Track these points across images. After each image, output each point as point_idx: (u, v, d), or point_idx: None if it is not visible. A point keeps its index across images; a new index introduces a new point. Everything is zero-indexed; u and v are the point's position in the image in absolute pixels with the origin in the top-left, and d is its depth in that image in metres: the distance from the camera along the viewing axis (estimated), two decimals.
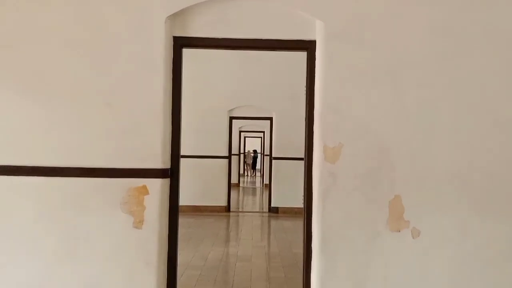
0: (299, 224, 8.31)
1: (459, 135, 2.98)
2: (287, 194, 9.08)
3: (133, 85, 2.93)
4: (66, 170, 2.86)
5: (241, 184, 16.45)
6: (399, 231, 2.95)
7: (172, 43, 3.06)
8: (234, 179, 15.11)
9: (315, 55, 3.06)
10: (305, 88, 3.18)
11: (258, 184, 17.54)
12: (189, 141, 9.18)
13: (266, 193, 13.26)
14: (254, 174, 22.30)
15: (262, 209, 10.05)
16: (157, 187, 2.92)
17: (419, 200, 2.96)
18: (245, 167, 21.92)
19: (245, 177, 20.79)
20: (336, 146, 2.93)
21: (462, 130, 2.98)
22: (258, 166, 22.98)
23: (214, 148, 9.08)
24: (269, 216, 8.93)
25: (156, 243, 2.91)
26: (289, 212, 9.02)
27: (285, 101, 9.11)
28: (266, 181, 15.11)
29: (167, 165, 3.01)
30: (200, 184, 9.04)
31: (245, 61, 9.13)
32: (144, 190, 2.88)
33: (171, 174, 3.04)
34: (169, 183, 3.05)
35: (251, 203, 11.11)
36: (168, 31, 3.00)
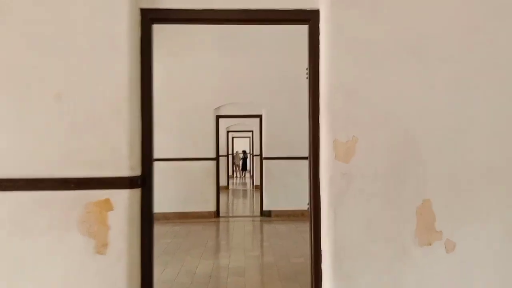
0: (294, 228, 7.81)
1: (499, 121, 2.39)
2: (280, 196, 8.49)
3: (90, 70, 2.28)
4: (4, 182, 2.21)
5: (230, 187, 15.80)
6: (430, 245, 2.35)
7: (139, 17, 2.42)
8: (223, 182, 14.50)
9: (318, 28, 2.45)
10: (306, 71, 2.57)
11: (248, 186, 16.91)
12: (173, 143, 8.56)
13: (257, 196, 12.66)
14: (244, 175, 21.67)
15: (254, 212, 9.42)
16: (124, 200, 2.27)
17: (453, 206, 2.37)
18: (234, 169, 21.29)
19: (234, 178, 20.15)
20: (349, 140, 2.33)
21: (502, 114, 2.40)
22: (248, 167, 22.48)
23: (201, 150, 8.43)
24: (261, 220, 8.32)
25: (124, 271, 2.25)
26: (282, 215, 8.42)
27: (275, 97, 8.52)
28: (257, 183, 14.55)
29: (136, 171, 2.36)
30: (186, 189, 8.40)
31: (231, 53, 8.51)
32: (107, 205, 2.24)
33: (142, 182, 2.38)
34: (140, 194, 2.39)
35: (241, 206, 10.50)
36: (134, 2, 2.37)
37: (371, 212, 2.33)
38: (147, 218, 2.39)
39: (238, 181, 19.27)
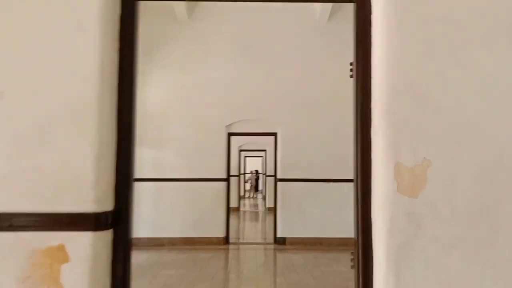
0: (311, 259, 6.94)
1: None
2: (296, 222, 7.69)
3: (46, 60, 1.59)
4: None
5: (241, 208, 15.00)
6: None
7: None
8: (233, 203, 13.75)
9: (370, 5, 1.74)
10: (351, 67, 1.85)
11: (260, 207, 16.09)
12: (182, 162, 7.89)
13: (269, 219, 11.85)
14: (255, 196, 20.87)
15: (266, 239, 8.62)
16: (85, 248, 1.53)
17: None
18: (245, 189, 20.52)
19: (245, 199, 19.35)
20: (418, 165, 1.58)
21: None
22: (260, 187, 21.69)
23: (211, 170, 7.72)
24: (274, 249, 7.51)
25: None
26: (298, 244, 7.60)
27: (292, 114, 7.81)
28: (269, 204, 13.76)
29: (105, 205, 1.62)
30: (194, 212, 7.67)
31: (245, 66, 7.88)
32: (60, 255, 1.51)
33: (115, 220, 1.65)
34: (111, 239, 1.65)
35: (253, 231, 9.72)
36: None
37: (451, 273, 1.56)
38: (121, 272, 1.65)
39: (249, 202, 18.46)
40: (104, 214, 1.57)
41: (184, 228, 7.67)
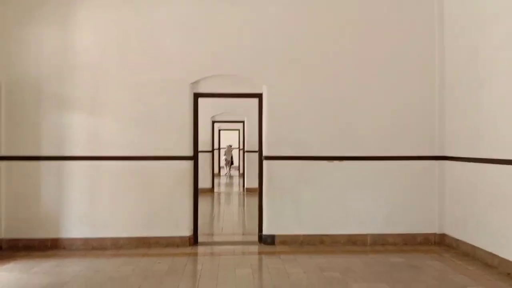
0: (315, 271, 4.45)
1: None
2: (287, 214, 5.70)
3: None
4: None
5: (215, 189, 12.91)
6: None
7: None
8: (206, 183, 11.65)
9: None
10: None
11: (238, 187, 14.04)
12: (124, 133, 5.58)
13: (250, 203, 9.81)
14: (230, 172, 18.85)
15: (247, 235, 6.59)
16: None
17: None
18: (219, 165, 18.44)
19: (220, 177, 17.25)
20: None
21: None
22: (234, 164, 19.72)
23: (169, 144, 5.54)
24: (260, 252, 5.48)
25: None
26: (291, 243, 5.64)
27: (281, 68, 5.69)
28: (248, 184, 11.72)
29: None
30: (147, 203, 5.54)
31: (218, 4, 5.62)
32: None
33: None
34: None
35: (230, 222, 7.63)
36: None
37: None
38: None
39: (225, 181, 16.37)
40: None
41: (133, 225, 5.55)
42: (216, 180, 14.25)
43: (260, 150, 5.84)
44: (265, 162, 5.71)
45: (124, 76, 5.49)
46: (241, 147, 15.82)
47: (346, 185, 5.68)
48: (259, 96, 5.86)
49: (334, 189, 5.67)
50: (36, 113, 5.44)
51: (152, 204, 5.53)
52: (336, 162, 5.67)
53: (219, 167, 18.48)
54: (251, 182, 11.34)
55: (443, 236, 5.68)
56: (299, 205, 5.67)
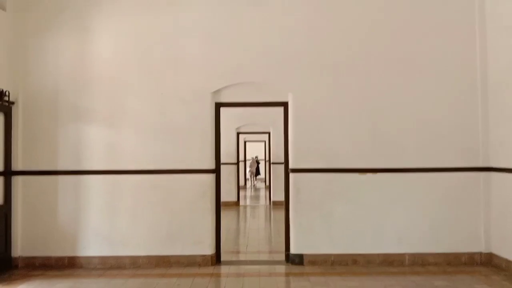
0: None
1: None
2: (317, 232, 5.26)
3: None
4: None
5: (241, 202, 12.54)
6: None
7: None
8: (231, 196, 11.33)
9: None
10: None
11: (262, 200, 13.63)
12: (144, 147, 5.31)
13: (276, 217, 9.40)
14: (255, 183, 18.50)
15: (274, 253, 6.16)
16: None
17: None
18: (245, 178, 18.12)
19: (246, 190, 16.89)
20: None
21: None
22: (261, 174, 19.32)
23: (190, 157, 5.23)
24: (287, 273, 5.07)
25: None
26: (322, 264, 5.20)
27: (308, 76, 5.30)
28: (275, 198, 11.32)
29: None
30: (166, 219, 5.23)
31: (239, 5, 5.33)
32: None
33: None
34: None
35: (256, 239, 7.22)
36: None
37: None
38: None
39: (250, 193, 15.98)
40: None
41: (152, 243, 5.23)
42: (241, 193, 13.89)
43: (286, 162, 5.45)
44: (291, 175, 5.32)
45: (143, 87, 5.24)
46: (267, 158, 15.45)
47: (381, 199, 5.21)
48: (284, 104, 5.50)
49: (367, 204, 5.22)
50: (53, 126, 5.25)
51: (172, 220, 5.21)
52: (369, 175, 5.23)
53: (245, 179, 18.14)
54: (278, 195, 10.94)
55: (490, 255, 5.12)
56: (329, 221, 5.24)
